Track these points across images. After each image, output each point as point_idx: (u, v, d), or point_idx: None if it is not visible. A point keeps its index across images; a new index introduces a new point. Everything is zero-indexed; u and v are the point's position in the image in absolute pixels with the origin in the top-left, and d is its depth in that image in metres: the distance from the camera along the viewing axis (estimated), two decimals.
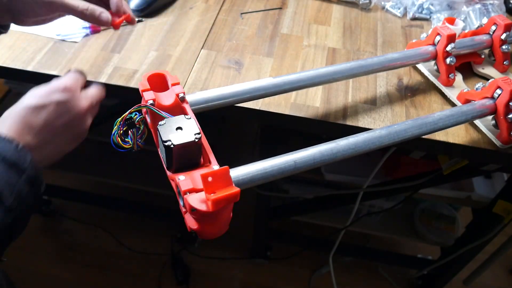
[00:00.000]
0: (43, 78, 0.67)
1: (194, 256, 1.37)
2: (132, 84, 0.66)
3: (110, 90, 0.67)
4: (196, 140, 0.41)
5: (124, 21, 0.59)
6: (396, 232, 1.28)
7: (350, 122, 0.63)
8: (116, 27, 0.58)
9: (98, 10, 0.55)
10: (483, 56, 0.73)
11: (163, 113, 0.44)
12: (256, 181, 0.42)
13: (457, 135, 0.63)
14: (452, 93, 0.67)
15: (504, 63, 0.71)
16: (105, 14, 0.55)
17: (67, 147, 0.47)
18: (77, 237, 1.44)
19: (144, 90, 0.46)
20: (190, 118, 0.43)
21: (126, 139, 0.45)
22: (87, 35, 0.74)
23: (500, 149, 0.61)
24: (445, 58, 0.66)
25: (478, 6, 0.81)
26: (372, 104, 0.66)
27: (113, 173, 1.32)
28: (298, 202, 1.26)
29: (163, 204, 1.34)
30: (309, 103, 0.65)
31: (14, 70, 0.67)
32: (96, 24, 0.57)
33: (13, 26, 0.57)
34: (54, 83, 0.46)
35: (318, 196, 1.20)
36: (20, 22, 0.55)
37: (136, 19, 0.76)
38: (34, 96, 0.44)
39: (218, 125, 1.46)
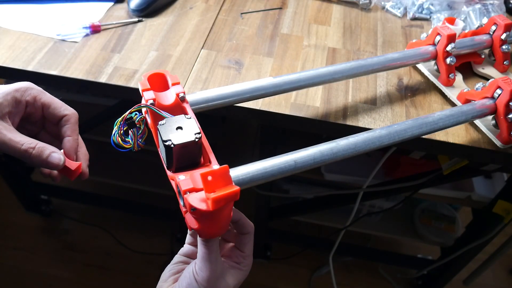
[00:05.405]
0: (43, 78, 0.67)
1: None
2: (132, 84, 0.66)
3: (110, 90, 0.67)
4: (196, 139, 0.41)
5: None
6: (396, 232, 1.28)
7: (350, 122, 0.63)
8: (71, 176, 0.46)
9: (48, 149, 0.44)
10: (483, 56, 0.73)
11: (163, 113, 0.44)
12: (256, 181, 0.42)
13: (457, 135, 0.63)
14: (452, 93, 0.67)
15: (504, 63, 0.71)
16: (57, 155, 0.45)
17: None
18: (77, 237, 1.44)
19: (144, 90, 0.46)
20: (190, 118, 0.43)
21: (126, 139, 0.45)
22: (87, 35, 0.74)
23: (500, 149, 0.61)
24: (445, 58, 0.66)
25: (478, 6, 0.81)
26: (372, 104, 0.66)
27: (113, 173, 1.32)
28: (298, 202, 1.26)
29: (163, 204, 1.34)
30: (309, 103, 0.65)
31: (14, 70, 0.67)
32: (45, 168, 0.45)
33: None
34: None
35: (318, 196, 1.20)
36: None
37: (137, 19, 0.77)
38: None
39: (218, 125, 1.46)
